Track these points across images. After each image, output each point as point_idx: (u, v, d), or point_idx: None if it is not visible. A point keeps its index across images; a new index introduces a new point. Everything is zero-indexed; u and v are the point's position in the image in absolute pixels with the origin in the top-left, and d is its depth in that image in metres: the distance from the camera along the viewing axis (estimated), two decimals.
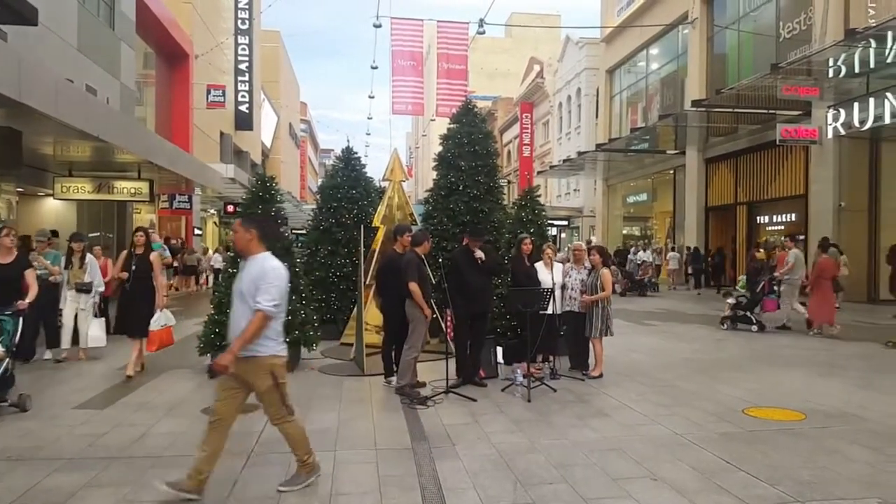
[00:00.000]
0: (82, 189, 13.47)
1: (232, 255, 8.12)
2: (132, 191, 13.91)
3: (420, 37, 22.15)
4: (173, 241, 20.21)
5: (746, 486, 4.07)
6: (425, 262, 6.85)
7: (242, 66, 29.74)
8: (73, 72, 13.44)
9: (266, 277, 3.86)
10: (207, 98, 24.49)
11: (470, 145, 9.27)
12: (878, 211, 15.96)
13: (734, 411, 5.90)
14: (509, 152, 44.20)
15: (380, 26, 20.70)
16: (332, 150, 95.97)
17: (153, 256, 7.61)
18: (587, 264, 7.62)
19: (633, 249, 22.74)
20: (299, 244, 12.25)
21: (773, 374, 7.69)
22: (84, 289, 8.33)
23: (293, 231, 8.50)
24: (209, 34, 26.23)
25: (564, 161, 29.39)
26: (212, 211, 29.44)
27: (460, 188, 9.14)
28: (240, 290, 3.96)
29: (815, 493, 3.95)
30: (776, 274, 11.75)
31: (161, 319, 7.33)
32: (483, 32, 21.05)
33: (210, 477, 3.87)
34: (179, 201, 20.37)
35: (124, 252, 7.87)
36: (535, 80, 40.93)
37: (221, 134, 28.45)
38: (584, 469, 4.44)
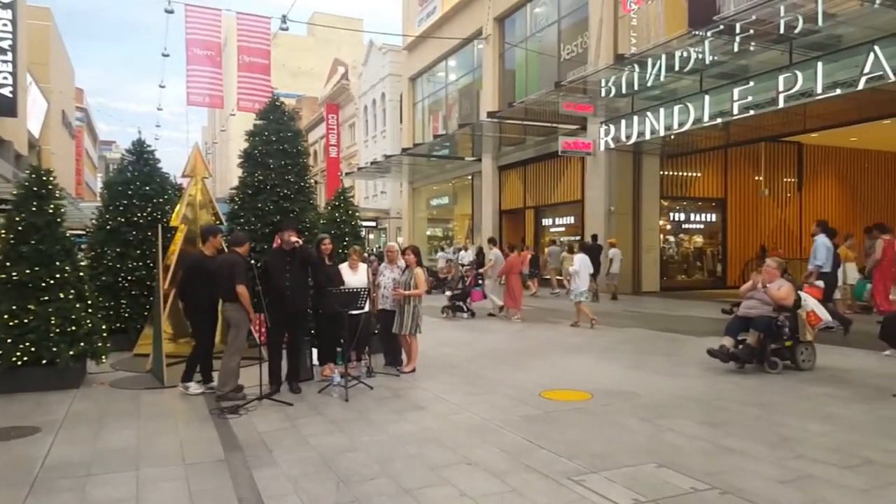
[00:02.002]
0: None
1: None
2: None
3: (218, 26, 20.80)
4: None
5: (549, 463, 4.50)
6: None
7: (4, 45, 25.44)
8: None
9: None
10: None
11: (279, 143, 8.99)
12: (639, 214, 18.54)
13: (532, 395, 6.47)
14: (315, 152, 43.50)
15: (172, 12, 19.06)
16: (115, 141, 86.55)
17: None
18: (401, 264, 7.82)
19: (451, 250, 24.05)
20: (80, 246, 10.89)
21: (563, 360, 8.57)
22: None
23: (70, 231, 7.53)
24: None
25: (371, 163, 29.74)
26: None
27: (269, 187, 8.83)
28: None
29: (605, 463, 4.48)
30: (480, 270, 14.12)
31: None
32: (286, 29, 20.47)
33: None
34: None
35: None
36: (340, 82, 40.81)
37: None
38: (403, 461, 4.57)
